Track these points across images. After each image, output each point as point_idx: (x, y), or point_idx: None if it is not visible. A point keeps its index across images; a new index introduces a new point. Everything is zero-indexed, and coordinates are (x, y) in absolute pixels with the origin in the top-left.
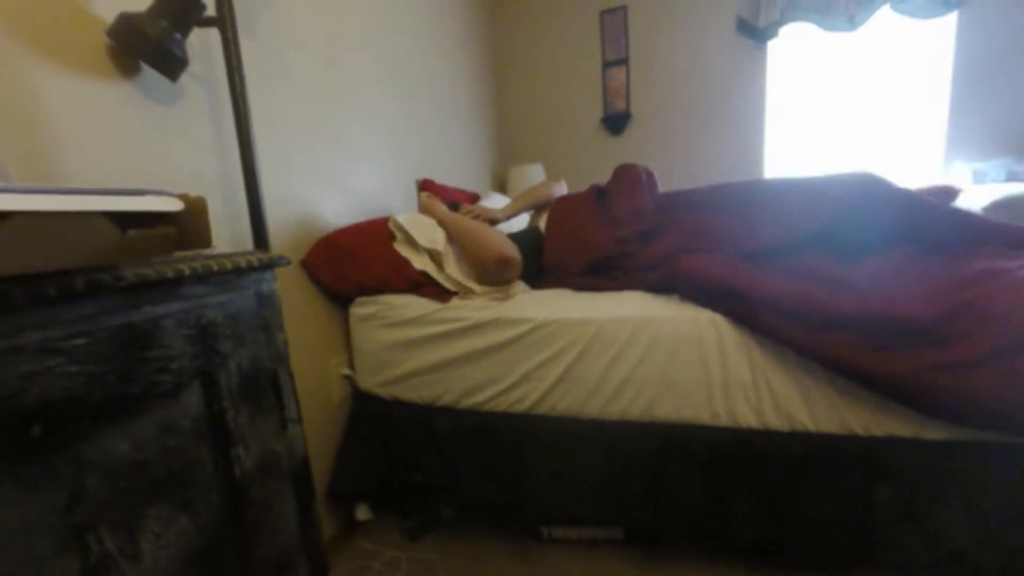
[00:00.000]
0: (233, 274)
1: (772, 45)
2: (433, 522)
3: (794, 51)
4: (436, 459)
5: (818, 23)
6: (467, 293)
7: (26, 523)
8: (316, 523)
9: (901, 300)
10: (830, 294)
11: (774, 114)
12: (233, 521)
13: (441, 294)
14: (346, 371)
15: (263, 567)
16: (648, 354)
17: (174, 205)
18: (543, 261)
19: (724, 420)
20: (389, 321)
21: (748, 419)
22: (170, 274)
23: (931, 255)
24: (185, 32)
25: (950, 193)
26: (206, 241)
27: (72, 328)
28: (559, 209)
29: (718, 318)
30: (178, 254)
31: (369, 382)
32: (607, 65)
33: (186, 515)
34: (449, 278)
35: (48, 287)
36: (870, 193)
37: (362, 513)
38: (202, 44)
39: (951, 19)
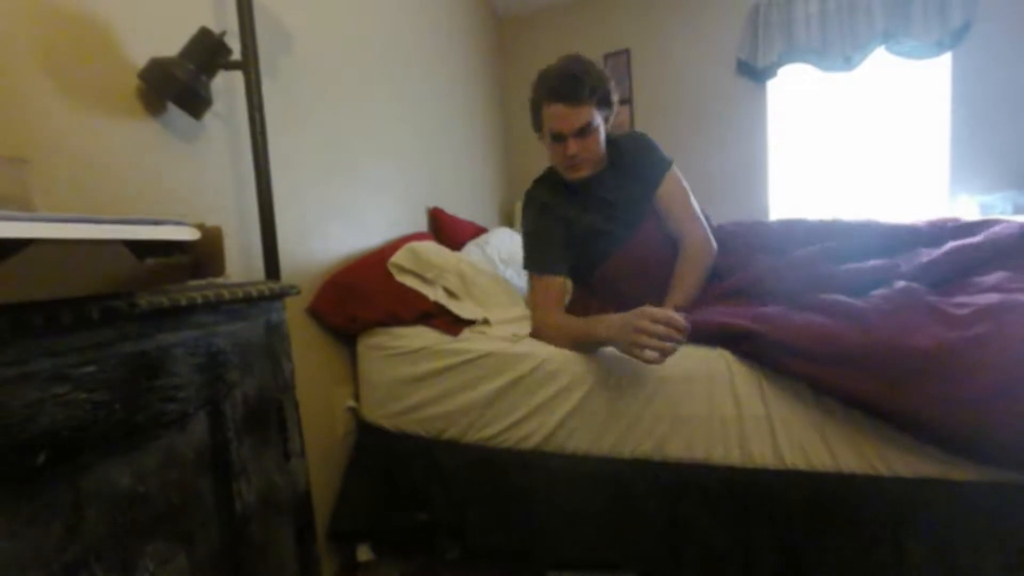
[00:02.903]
0: (243, 303)
1: (772, 85)
2: (437, 564)
3: (794, 90)
4: (441, 496)
5: (815, 64)
6: (483, 324)
7: (22, 557)
8: (316, 563)
9: (912, 333)
10: (841, 328)
11: (776, 152)
12: (231, 560)
13: (451, 325)
14: (351, 403)
15: None
16: (657, 392)
17: (191, 234)
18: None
19: (738, 458)
20: (396, 351)
21: (764, 457)
22: (183, 302)
23: (940, 285)
24: (211, 75)
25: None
26: (220, 270)
27: (83, 355)
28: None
29: (727, 354)
30: (191, 283)
31: (375, 414)
32: None
33: (184, 552)
34: (465, 307)
35: (64, 314)
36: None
37: (363, 554)
38: (225, 84)
39: (946, 59)
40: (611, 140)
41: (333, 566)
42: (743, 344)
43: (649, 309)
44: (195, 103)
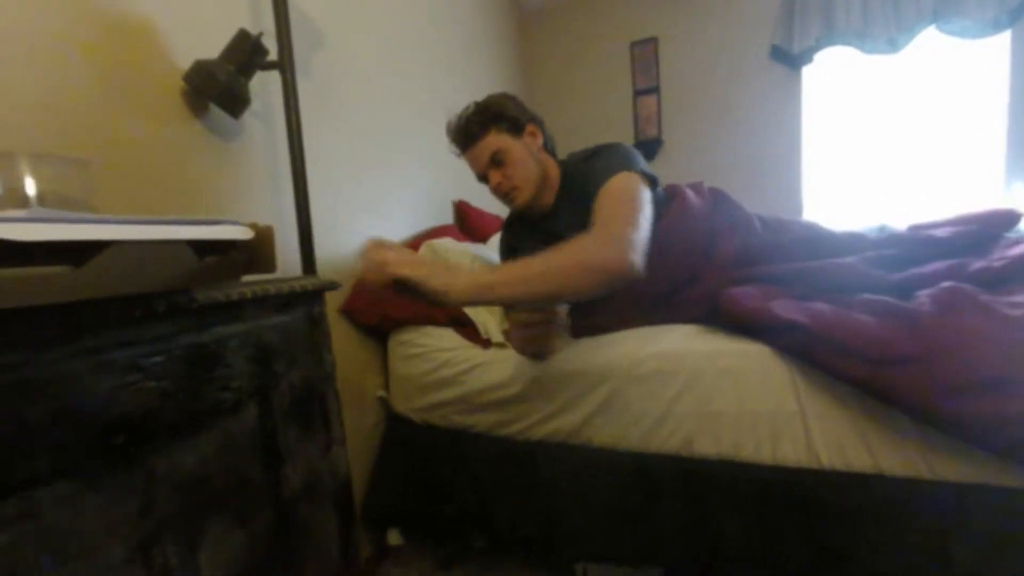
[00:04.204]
0: (288, 298)
1: (807, 71)
2: (465, 552)
3: (830, 76)
4: (468, 486)
5: (857, 47)
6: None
7: (106, 530)
8: (356, 546)
9: (971, 337)
10: (895, 330)
11: (810, 141)
12: (281, 540)
13: (479, 336)
14: (382, 393)
15: None
16: (686, 388)
17: (246, 234)
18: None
19: (770, 456)
20: (426, 350)
21: (798, 456)
22: (235, 297)
23: (988, 286)
24: (249, 75)
25: (1011, 217)
26: (272, 266)
27: (151, 347)
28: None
29: (758, 349)
30: (243, 279)
31: (403, 406)
32: (638, 93)
33: (241, 531)
34: (480, 314)
35: (135, 308)
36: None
37: (394, 538)
38: (261, 84)
39: (1004, 37)
40: (567, 161)
41: (365, 549)
42: (788, 337)
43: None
44: (234, 103)
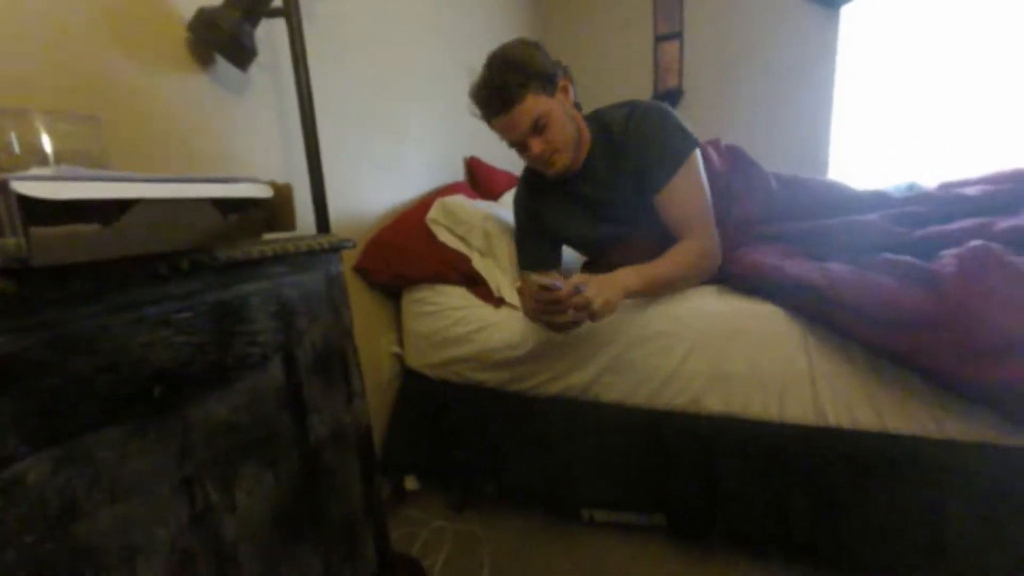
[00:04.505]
0: (307, 256)
1: (846, 12)
2: (477, 497)
3: (872, 18)
4: (481, 438)
5: None
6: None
7: (150, 472)
8: (378, 491)
9: (990, 301)
10: (914, 292)
11: (842, 93)
12: (310, 483)
13: (492, 296)
14: (396, 349)
15: (334, 528)
16: (696, 347)
17: (266, 192)
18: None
19: (777, 414)
20: (439, 308)
21: (806, 415)
22: (255, 255)
23: (1018, 247)
24: (254, 23)
25: None
26: (291, 224)
27: (179, 303)
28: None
29: (770, 309)
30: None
31: (417, 362)
32: (659, 39)
33: (271, 474)
34: (493, 274)
35: (161, 266)
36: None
37: (410, 483)
38: (267, 35)
39: None
40: (601, 118)
41: (385, 494)
42: (800, 297)
43: (539, 293)
44: (240, 54)
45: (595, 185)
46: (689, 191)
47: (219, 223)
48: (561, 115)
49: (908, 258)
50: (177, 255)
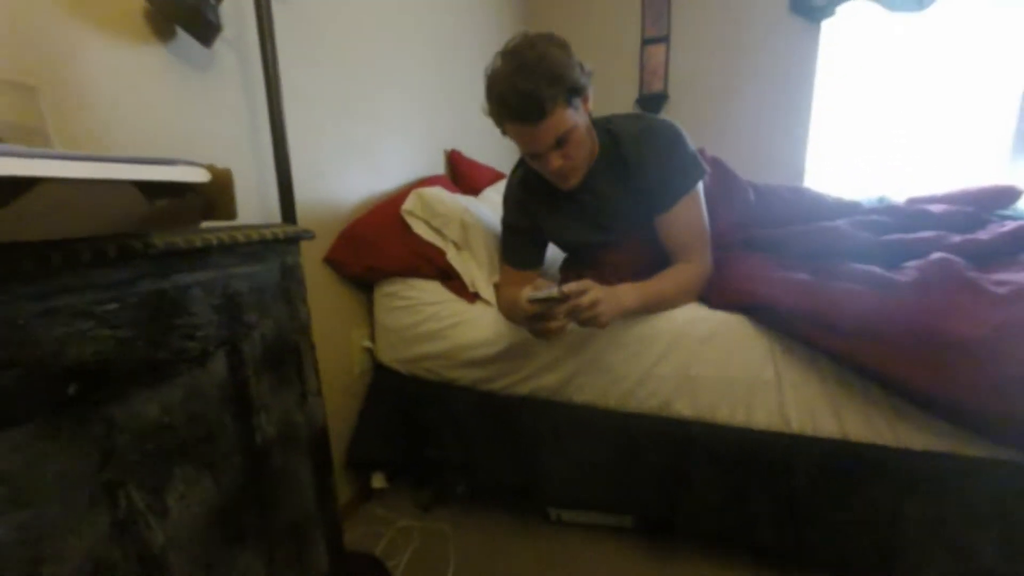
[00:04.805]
0: (258, 246)
1: (826, 27)
2: (446, 496)
3: (850, 34)
4: (452, 436)
5: (883, 2)
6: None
7: (63, 476)
8: (332, 494)
9: (948, 314)
10: (874, 303)
11: (822, 101)
12: (254, 486)
13: (466, 290)
14: (367, 343)
15: (281, 531)
16: (668, 352)
17: (201, 176)
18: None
19: (743, 419)
20: (412, 303)
21: (771, 421)
22: (198, 244)
23: (978, 261)
24: None
25: (1011, 193)
26: (231, 213)
27: (104, 293)
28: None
29: (739, 319)
30: (205, 224)
31: (388, 357)
32: (646, 42)
33: (209, 477)
34: (468, 268)
35: (82, 252)
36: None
37: (378, 481)
38: (235, 9)
39: None
40: (610, 129)
41: (350, 491)
42: (764, 314)
43: (532, 305)
44: (204, 27)
45: (596, 195)
46: (691, 217)
47: (144, 208)
48: (583, 130)
49: (873, 268)
50: (103, 240)
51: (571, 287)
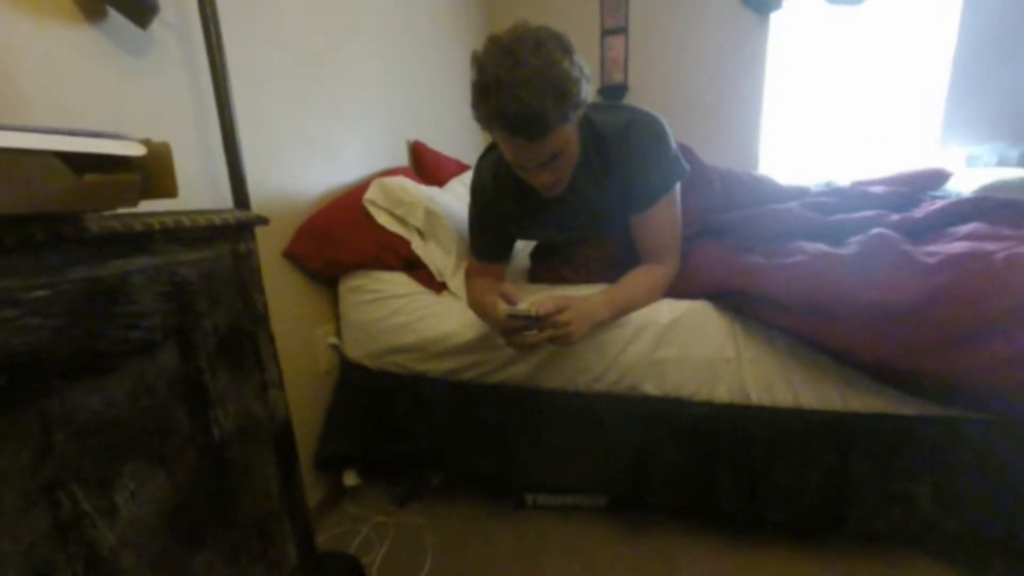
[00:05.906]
0: (207, 231)
1: (775, 20)
2: (421, 489)
3: (795, 27)
4: (424, 428)
5: None
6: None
7: None
8: (300, 487)
9: (887, 283)
10: (820, 280)
11: (772, 91)
12: (213, 481)
13: (433, 280)
14: (333, 340)
15: (246, 528)
16: (636, 337)
17: (135, 150)
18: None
19: (707, 396)
20: (378, 295)
21: (732, 395)
22: (138, 228)
23: (913, 235)
24: None
25: (940, 176)
26: (172, 191)
27: (33, 279)
28: None
29: (702, 303)
30: (149, 208)
31: (356, 353)
32: (605, 33)
33: (163, 473)
34: (434, 256)
35: (5, 236)
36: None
37: (350, 479)
38: None
39: None
40: (594, 124)
41: (322, 491)
42: (729, 299)
43: (509, 320)
44: (136, 7)
45: (575, 193)
46: (666, 219)
47: (71, 182)
48: (574, 144)
49: (820, 246)
50: (28, 222)
51: (547, 308)
